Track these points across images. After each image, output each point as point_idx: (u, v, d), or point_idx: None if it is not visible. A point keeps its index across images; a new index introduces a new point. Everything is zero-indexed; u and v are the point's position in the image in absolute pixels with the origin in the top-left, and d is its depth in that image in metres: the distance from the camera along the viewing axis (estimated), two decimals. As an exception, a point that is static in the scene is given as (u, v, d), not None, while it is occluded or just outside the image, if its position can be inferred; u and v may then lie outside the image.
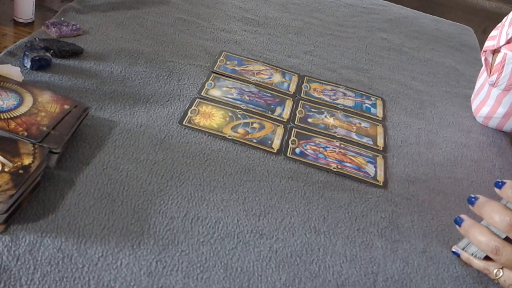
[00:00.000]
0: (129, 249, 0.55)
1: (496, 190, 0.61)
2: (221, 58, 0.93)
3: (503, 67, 0.86)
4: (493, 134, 0.93)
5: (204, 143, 0.72)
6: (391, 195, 0.72)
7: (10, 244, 0.52)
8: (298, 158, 0.74)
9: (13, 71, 0.72)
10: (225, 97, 0.83)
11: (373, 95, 0.95)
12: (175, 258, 0.55)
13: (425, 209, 0.71)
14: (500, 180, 0.61)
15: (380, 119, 0.88)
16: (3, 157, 0.55)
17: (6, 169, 0.54)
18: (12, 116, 0.62)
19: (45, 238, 0.53)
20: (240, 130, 0.76)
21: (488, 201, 0.62)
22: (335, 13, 1.26)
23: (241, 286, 0.54)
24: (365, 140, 0.82)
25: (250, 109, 0.81)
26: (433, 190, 0.75)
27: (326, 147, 0.78)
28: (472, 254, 0.63)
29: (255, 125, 0.78)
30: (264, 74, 0.92)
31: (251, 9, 1.15)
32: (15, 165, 0.55)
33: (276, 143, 0.76)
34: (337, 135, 0.81)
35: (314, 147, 0.77)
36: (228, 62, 0.92)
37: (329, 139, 0.80)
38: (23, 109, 0.63)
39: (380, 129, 0.85)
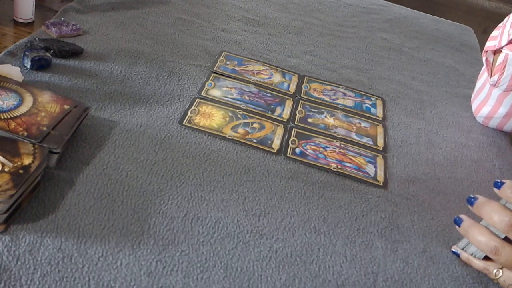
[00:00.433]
0: (129, 249, 0.55)
1: (495, 190, 0.61)
2: (221, 58, 0.93)
3: (504, 67, 0.86)
4: (493, 134, 0.93)
5: (204, 143, 0.72)
6: (391, 195, 0.72)
7: (10, 244, 0.52)
8: (298, 158, 0.74)
9: (13, 71, 0.72)
10: (225, 97, 0.83)
11: (373, 95, 0.95)
12: (175, 258, 0.55)
13: (425, 209, 0.71)
14: (499, 180, 0.61)
15: (380, 119, 0.88)
16: (3, 157, 0.55)
17: (6, 169, 0.54)
18: (12, 116, 0.62)
19: (45, 238, 0.53)
20: (240, 130, 0.76)
21: (487, 201, 0.62)
22: (335, 13, 1.26)
23: (241, 286, 0.54)
24: (365, 140, 0.82)
25: (250, 109, 0.81)
26: (433, 190, 0.75)
27: (326, 147, 0.78)
28: (472, 254, 0.63)
29: (255, 125, 0.78)
30: (264, 74, 0.92)
31: (251, 9, 1.15)
32: (15, 165, 0.55)
33: (276, 143, 0.76)
34: (337, 135, 0.81)
35: (314, 147, 0.77)
36: (228, 62, 0.92)
37: (329, 139, 0.80)
38: (23, 109, 0.63)
39: (380, 129, 0.85)
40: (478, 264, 0.63)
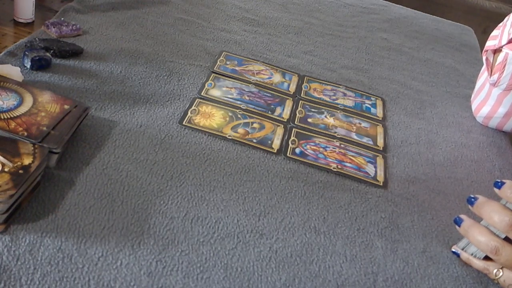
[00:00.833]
0: (129, 249, 0.55)
1: (496, 190, 0.61)
2: (221, 58, 0.93)
3: (504, 66, 0.86)
4: (493, 134, 0.93)
5: (204, 143, 0.72)
6: (391, 195, 0.72)
7: (10, 244, 0.52)
8: (298, 158, 0.74)
9: (13, 71, 0.72)
10: (225, 97, 0.83)
11: (373, 95, 0.95)
12: (175, 258, 0.55)
13: (425, 209, 0.71)
14: (499, 180, 0.61)
15: (380, 119, 0.88)
16: (3, 157, 0.55)
17: (6, 169, 0.54)
18: (12, 116, 0.62)
19: (45, 238, 0.53)
20: (240, 130, 0.76)
21: (487, 201, 0.62)
22: (335, 13, 1.26)
23: (241, 286, 0.54)
24: (365, 140, 0.82)
25: (250, 109, 0.81)
26: (433, 190, 0.75)
27: (326, 147, 0.78)
28: (472, 254, 0.63)
29: (255, 125, 0.78)
30: (264, 74, 0.92)
31: (251, 9, 1.15)
32: (15, 165, 0.55)
33: (276, 143, 0.76)
34: (337, 135, 0.81)
35: (314, 147, 0.77)
36: (228, 62, 0.92)
37: (329, 139, 0.80)
38: (23, 109, 0.63)
39: (380, 129, 0.85)
40: (478, 264, 0.63)
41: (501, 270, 0.61)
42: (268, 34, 1.07)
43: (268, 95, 0.86)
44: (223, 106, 0.80)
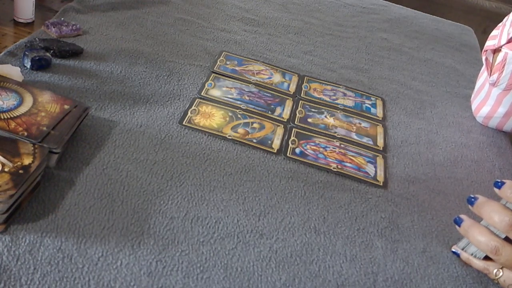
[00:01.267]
0: (129, 249, 0.55)
1: (496, 190, 0.61)
2: (221, 58, 0.93)
3: (503, 66, 0.86)
4: (493, 134, 0.93)
5: (204, 143, 0.72)
6: (391, 195, 0.72)
7: (10, 244, 0.52)
8: (298, 158, 0.74)
9: (13, 71, 0.72)
10: (225, 97, 0.83)
11: (373, 95, 0.95)
12: (175, 258, 0.55)
13: (425, 209, 0.71)
14: (499, 180, 0.61)
15: (380, 119, 0.88)
16: (3, 157, 0.55)
17: (6, 169, 0.54)
18: (12, 116, 0.62)
19: (45, 238, 0.53)
20: (240, 130, 0.76)
21: (487, 201, 0.62)
22: (335, 13, 1.26)
23: (241, 286, 0.54)
24: (365, 140, 0.82)
25: (250, 109, 0.81)
26: (433, 190, 0.75)
27: (326, 147, 0.78)
28: (472, 254, 0.63)
29: (255, 125, 0.78)
30: (264, 74, 0.92)
31: (251, 9, 1.15)
32: (15, 165, 0.55)
33: (276, 143, 0.76)
34: (337, 135, 0.81)
35: (314, 147, 0.77)
36: (228, 62, 0.92)
37: (329, 139, 0.80)
38: (23, 109, 0.63)
39: (380, 129, 0.85)
40: (478, 264, 0.63)
41: (501, 270, 0.61)
42: (268, 34, 1.07)
43: (268, 95, 0.86)
44: (223, 106, 0.80)
